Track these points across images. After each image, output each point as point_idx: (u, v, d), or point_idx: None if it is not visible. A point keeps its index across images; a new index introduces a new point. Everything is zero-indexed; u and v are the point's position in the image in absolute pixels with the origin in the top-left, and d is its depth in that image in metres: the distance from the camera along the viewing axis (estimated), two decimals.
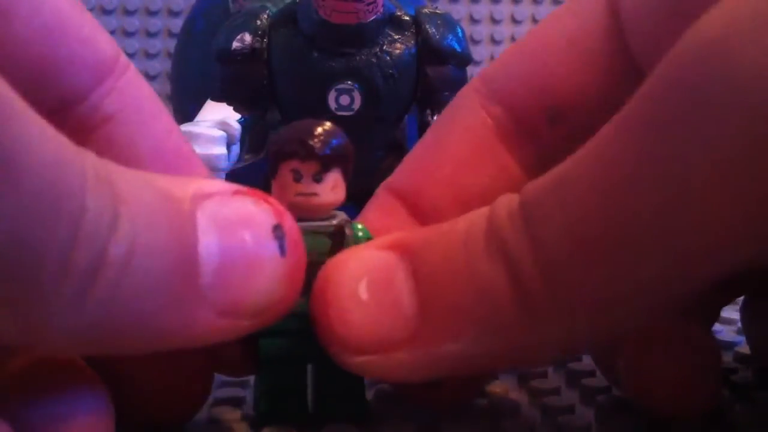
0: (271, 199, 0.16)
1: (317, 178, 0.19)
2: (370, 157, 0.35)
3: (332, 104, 0.32)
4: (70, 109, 0.18)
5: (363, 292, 0.16)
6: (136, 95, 0.19)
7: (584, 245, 0.14)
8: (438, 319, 0.16)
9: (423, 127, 0.34)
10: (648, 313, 0.15)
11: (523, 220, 0.15)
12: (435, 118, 0.33)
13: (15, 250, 0.12)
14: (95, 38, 0.18)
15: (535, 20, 0.65)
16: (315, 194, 0.19)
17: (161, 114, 0.20)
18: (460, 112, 0.22)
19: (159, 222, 0.14)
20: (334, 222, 0.19)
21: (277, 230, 0.16)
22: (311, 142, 0.18)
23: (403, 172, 0.23)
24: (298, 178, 0.18)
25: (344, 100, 0.32)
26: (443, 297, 0.16)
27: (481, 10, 0.65)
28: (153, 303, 0.14)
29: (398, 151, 0.36)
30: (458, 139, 0.21)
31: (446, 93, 0.34)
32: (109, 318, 0.13)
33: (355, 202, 0.37)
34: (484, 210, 0.16)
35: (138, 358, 0.16)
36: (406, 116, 0.36)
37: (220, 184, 0.16)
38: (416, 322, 0.16)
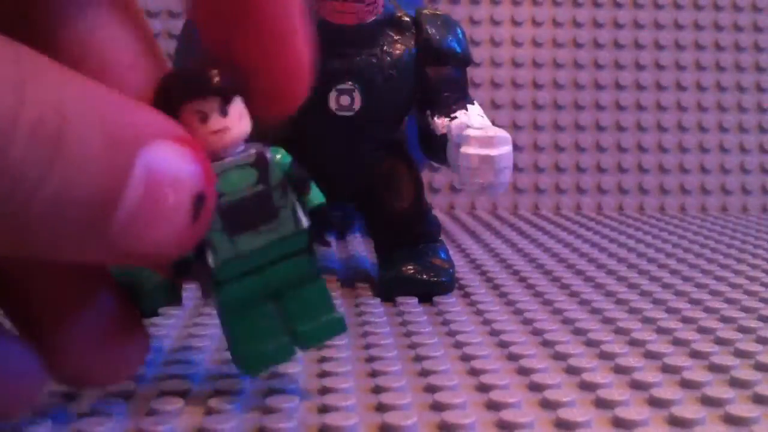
0: (206, 161, 0.17)
1: (223, 112, 0.18)
2: (370, 157, 0.35)
3: (333, 104, 0.32)
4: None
5: None
6: None
7: None
8: None
9: (423, 127, 0.34)
10: None
11: None
12: (435, 118, 0.33)
13: None
14: None
15: (535, 22, 0.65)
16: (227, 128, 0.19)
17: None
18: None
19: (95, 169, 0.15)
20: (253, 151, 0.19)
21: (199, 199, 0.16)
22: (207, 77, 0.18)
23: None
24: (204, 118, 0.18)
25: (344, 100, 0.32)
26: None
27: (481, 12, 0.65)
28: (61, 231, 0.15)
29: (398, 151, 0.36)
30: None
31: (446, 94, 0.34)
32: (20, 228, 0.14)
33: (355, 202, 0.38)
34: None
35: (70, 317, 0.18)
36: (406, 117, 0.36)
37: (165, 124, 0.16)
38: None
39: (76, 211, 0.15)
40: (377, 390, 0.23)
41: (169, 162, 0.16)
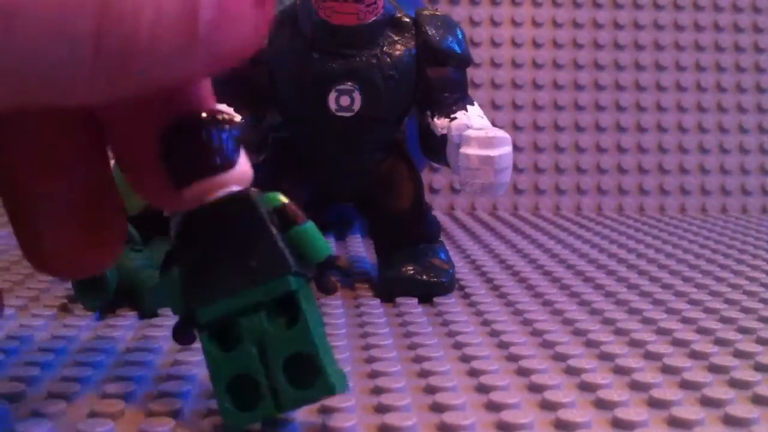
0: None
1: None
2: (370, 158, 0.35)
3: (332, 105, 0.32)
4: None
5: None
6: None
7: None
8: None
9: (423, 128, 0.34)
10: None
11: None
12: (435, 119, 0.33)
13: None
14: None
15: (535, 23, 0.65)
16: None
17: None
18: None
19: None
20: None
21: None
22: None
23: None
24: None
25: (344, 101, 0.32)
26: None
27: (481, 13, 0.65)
28: (165, 50, 0.15)
29: (398, 152, 0.36)
30: None
31: (446, 94, 0.34)
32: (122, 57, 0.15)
33: (355, 202, 0.38)
34: None
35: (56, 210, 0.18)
36: (406, 117, 0.36)
37: None
38: None
39: (172, 24, 0.15)
40: (377, 391, 0.23)
41: None
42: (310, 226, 0.20)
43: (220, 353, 0.19)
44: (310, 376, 0.19)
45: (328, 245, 0.20)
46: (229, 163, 0.19)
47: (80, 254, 0.20)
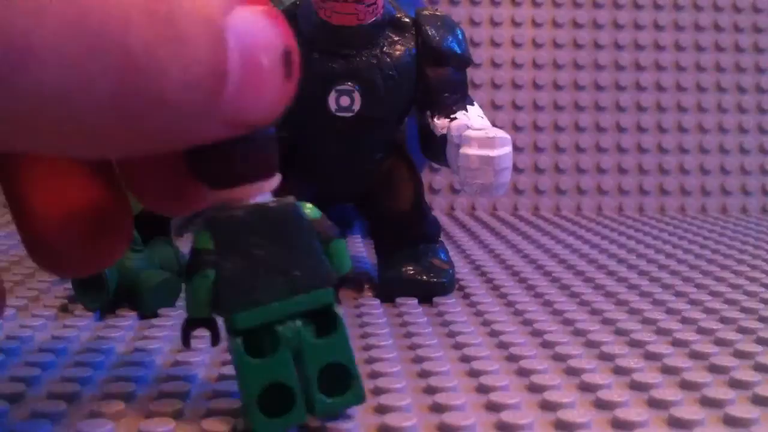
0: (283, 22, 0.17)
1: None
2: (370, 158, 0.35)
3: (332, 105, 0.32)
4: None
5: None
6: None
7: None
8: None
9: (423, 128, 0.34)
10: None
11: None
12: (435, 119, 0.33)
13: None
14: None
15: (535, 23, 0.65)
16: None
17: None
18: None
19: (202, 45, 0.15)
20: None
21: (287, 56, 0.17)
22: None
23: None
24: None
25: (344, 101, 0.32)
26: None
27: (481, 13, 0.65)
28: (186, 114, 0.15)
29: (398, 152, 0.36)
30: None
31: (446, 94, 0.34)
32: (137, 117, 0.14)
33: (355, 203, 0.38)
34: None
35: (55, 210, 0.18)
36: (406, 118, 0.36)
37: None
38: None
39: (198, 88, 0.15)
40: (377, 391, 0.23)
41: (253, 27, 0.16)
42: (343, 240, 0.20)
43: (256, 360, 0.19)
44: (341, 384, 0.19)
45: (350, 260, 0.21)
46: (273, 170, 0.19)
47: (85, 253, 0.20)
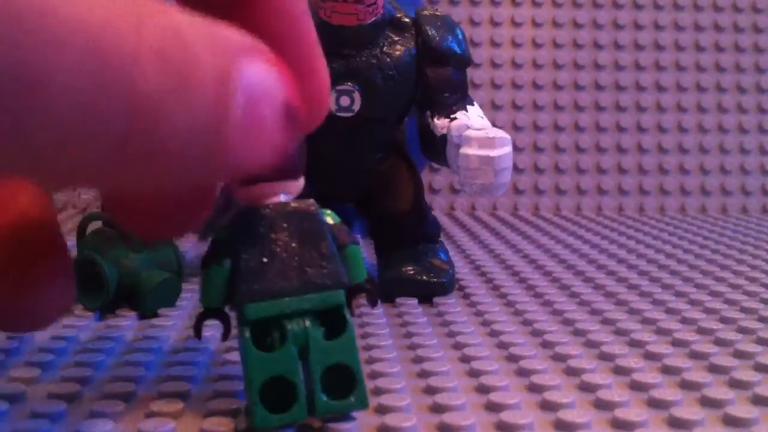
0: (288, 74, 0.17)
1: None
2: (370, 158, 0.35)
3: (332, 105, 0.32)
4: None
5: None
6: None
7: None
8: None
9: (423, 128, 0.34)
10: None
11: None
12: (435, 119, 0.33)
13: None
14: None
15: (535, 23, 0.65)
16: None
17: None
18: None
19: (210, 94, 0.15)
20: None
21: (289, 108, 0.17)
22: None
23: None
24: None
25: (344, 101, 0.32)
26: None
27: (481, 13, 0.65)
28: (185, 161, 0.15)
29: (398, 152, 0.36)
30: None
31: (446, 94, 0.34)
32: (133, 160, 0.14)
33: (355, 203, 0.38)
34: None
35: None
36: (406, 118, 0.36)
37: (250, 41, 0.16)
38: None
39: (198, 138, 0.15)
40: (377, 392, 0.23)
41: (262, 78, 0.16)
42: (358, 247, 0.21)
43: (262, 352, 0.19)
44: (344, 386, 0.20)
45: (366, 270, 0.21)
46: (298, 171, 0.20)
47: (19, 306, 0.18)
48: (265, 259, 0.19)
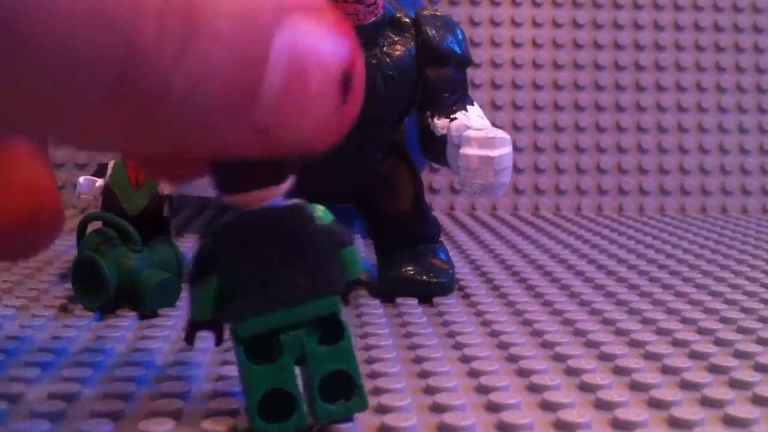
0: (351, 34, 0.15)
1: None
2: (370, 158, 0.35)
3: None
4: None
5: None
6: None
7: None
8: None
9: (423, 128, 0.34)
10: None
11: None
12: (435, 119, 0.33)
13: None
14: None
15: (535, 23, 0.65)
16: None
17: None
18: None
19: (232, 48, 0.13)
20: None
21: (347, 79, 0.14)
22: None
23: None
24: None
25: None
26: None
27: (481, 13, 0.65)
28: (202, 121, 0.13)
29: (398, 152, 0.36)
30: None
31: (446, 94, 0.34)
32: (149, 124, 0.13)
33: (355, 203, 0.38)
34: None
35: None
36: (406, 118, 0.36)
37: None
38: None
39: (215, 98, 0.13)
40: (377, 392, 0.23)
41: (312, 38, 0.14)
42: (355, 246, 0.20)
43: (259, 367, 0.19)
44: (344, 391, 0.19)
45: (362, 264, 0.20)
46: (284, 175, 0.18)
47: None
48: (253, 274, 0.19)
